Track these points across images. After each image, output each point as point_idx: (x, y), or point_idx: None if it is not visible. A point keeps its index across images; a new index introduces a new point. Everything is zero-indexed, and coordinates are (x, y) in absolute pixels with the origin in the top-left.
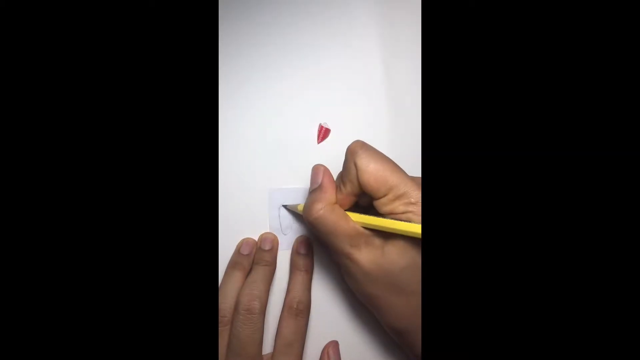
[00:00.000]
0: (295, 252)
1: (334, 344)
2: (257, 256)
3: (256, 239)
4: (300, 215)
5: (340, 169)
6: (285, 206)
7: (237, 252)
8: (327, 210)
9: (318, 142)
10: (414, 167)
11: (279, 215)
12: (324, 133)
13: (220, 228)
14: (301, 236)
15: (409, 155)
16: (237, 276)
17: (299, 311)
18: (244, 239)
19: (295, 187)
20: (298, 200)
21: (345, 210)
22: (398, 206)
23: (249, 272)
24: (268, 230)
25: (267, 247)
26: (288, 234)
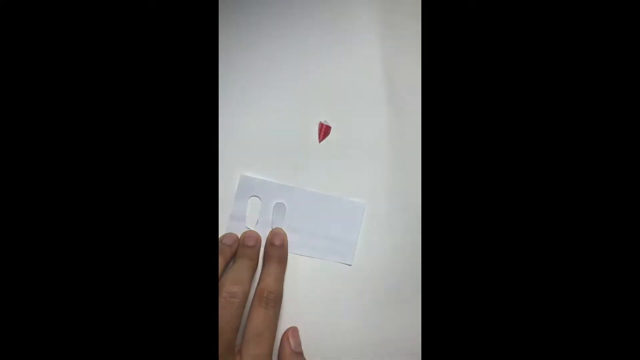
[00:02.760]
0: (269, 243)
1: (294, 329)
2: (240, 251)
3: None
4: (273, 210)
5: (342, 165)
6: None
7: (220, 241)
8: None
9: (319, 141)
10: (414, 166)
11: (248, 207)
12: (324, 131)
13: (220, 228)
14: (276, 228)
15: (409, 155)
16: (219, 262)
17: (269, 301)
18: (226, 234)
19: (270, 180)
20: (270, 191)
21: None
22: None
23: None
24: (228, 217)
25: (250, 243)
26: (257, 228)
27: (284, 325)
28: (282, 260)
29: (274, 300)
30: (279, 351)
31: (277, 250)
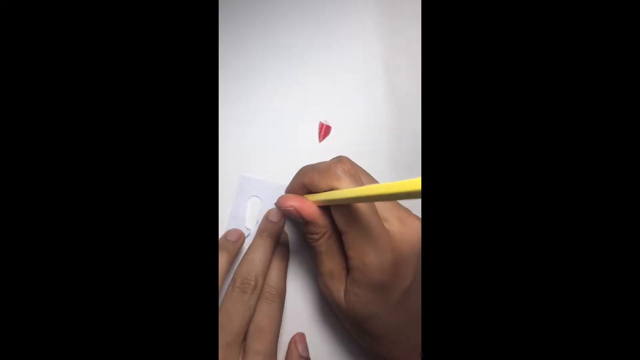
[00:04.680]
0: (265, 219)
1: (301, 335)
2: (263, 226)
3: None
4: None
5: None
6: None
7: (224, 237)
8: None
9: (320, 141)
10: (413, 165)
11: (248, 207)
12: (324, 131)
13: (220, 228)
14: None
15: (409, 154)
16: (223, 259)
17: (271, 296)
18: (230, 229)
19: (270, 180)
20: (270, 191)
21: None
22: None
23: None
24: (228, 217)
25: (274, 219)
26: (257, 228)
27: (287, 325)
28: (284, 256)
29: (276, 295)
30: (286, 355)
31: (278, 247)
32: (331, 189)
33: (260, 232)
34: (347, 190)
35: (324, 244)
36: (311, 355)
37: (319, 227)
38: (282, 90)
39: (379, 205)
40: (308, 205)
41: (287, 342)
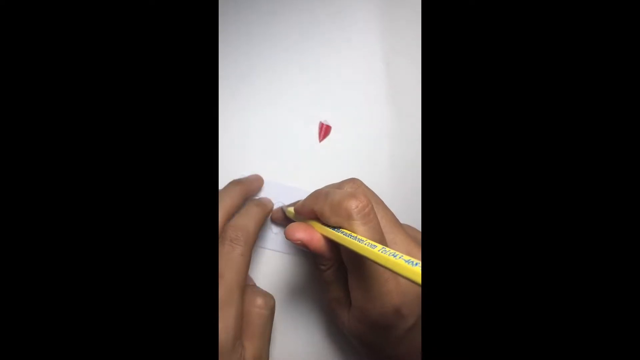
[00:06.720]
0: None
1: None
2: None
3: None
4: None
5: (343, 168)
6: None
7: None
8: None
9: (320, 141)
10: (414, 166)
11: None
12: (325, 131)
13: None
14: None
15: (409, 155)
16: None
17: (232, 238)
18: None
19: (270, 180)
20: (270, 192)
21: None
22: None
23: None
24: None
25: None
26: (278, 235)
27: (287, 327)
28: (263, 206)
29: (239, 237)
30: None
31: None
32: (340, 227)
33: (254, 200)
34: (351, 242)
35: (332, 274)
36: (312, 356)
37: (326, 259)
38: (282, 90)
39: (389, 239)
40: (317, 239)
41: (283, 346)
